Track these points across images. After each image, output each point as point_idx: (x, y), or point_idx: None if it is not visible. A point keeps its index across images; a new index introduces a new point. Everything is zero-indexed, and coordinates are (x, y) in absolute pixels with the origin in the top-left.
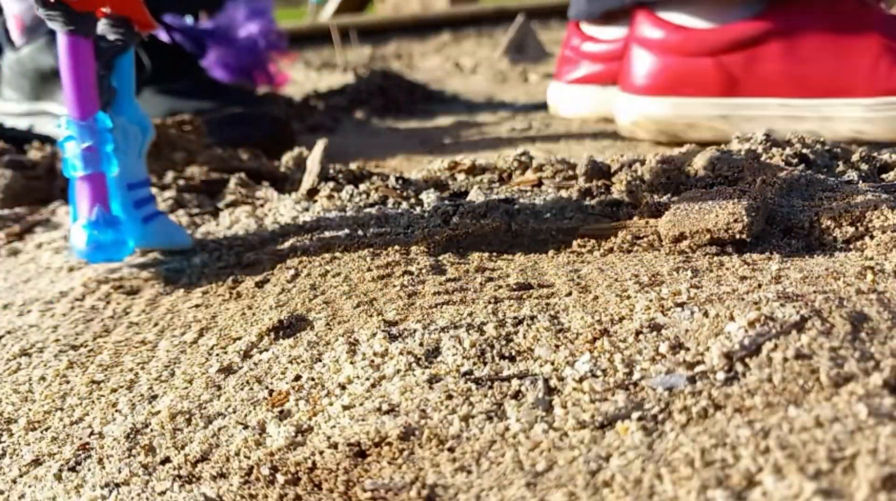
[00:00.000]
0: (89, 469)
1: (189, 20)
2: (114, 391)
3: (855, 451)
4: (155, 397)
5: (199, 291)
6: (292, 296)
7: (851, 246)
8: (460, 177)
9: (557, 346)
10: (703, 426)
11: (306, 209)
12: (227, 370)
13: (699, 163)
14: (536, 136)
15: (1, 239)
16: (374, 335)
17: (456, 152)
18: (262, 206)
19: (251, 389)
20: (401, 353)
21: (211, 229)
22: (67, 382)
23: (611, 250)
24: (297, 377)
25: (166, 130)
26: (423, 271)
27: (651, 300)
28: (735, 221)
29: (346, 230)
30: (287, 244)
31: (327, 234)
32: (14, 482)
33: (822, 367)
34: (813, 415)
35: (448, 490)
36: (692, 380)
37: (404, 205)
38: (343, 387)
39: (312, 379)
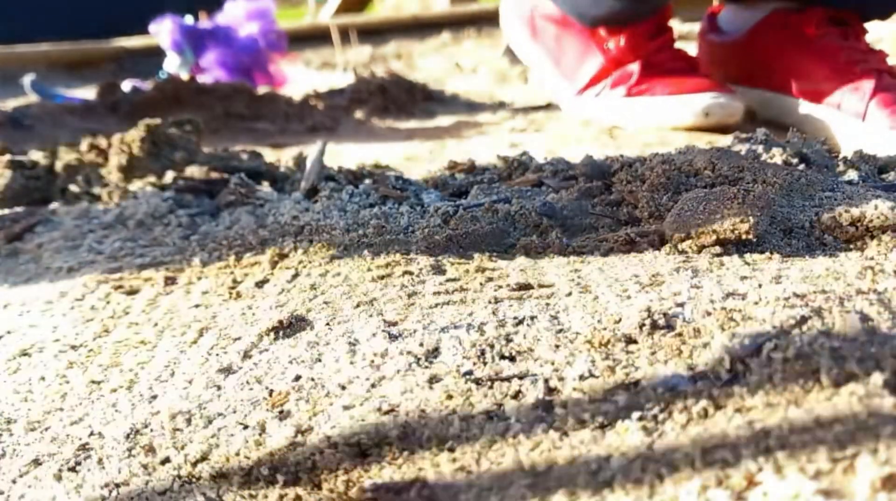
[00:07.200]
0: (89, 470)
1: (189, 20)
2: (114, 391)
3: (855, 451)
4: (155, 397)
5: (199, 291)
6: (292, 296)
7: (852, 246)
8: (460, 177)
9: (557, 346)
10: (703, 425)
11: (306, 209)
12: (227, 370)
13: (699, 163)
14: (536, 136)
15: (1, 239)
16: (374, 335)
17: (456, 152)
18: (262, 206)
19: (251, 389)
20: (401, 353)
21: (211, 229)
22: (67, 382)
23: (611, 250)
24: (297, 377)
25: (166, 129)
26: (423, 271)
27: (651, 301)
28: (741, 221)
29: (346, 230)
30: (287, 244)
31: (327, 234)
32: (14, 482)
33: (822, 367)
34: (813, 415)
35: (448, 490)
36: (693, 380)
37: (404, 205)
38: (343, 387)
39: (312, 379)
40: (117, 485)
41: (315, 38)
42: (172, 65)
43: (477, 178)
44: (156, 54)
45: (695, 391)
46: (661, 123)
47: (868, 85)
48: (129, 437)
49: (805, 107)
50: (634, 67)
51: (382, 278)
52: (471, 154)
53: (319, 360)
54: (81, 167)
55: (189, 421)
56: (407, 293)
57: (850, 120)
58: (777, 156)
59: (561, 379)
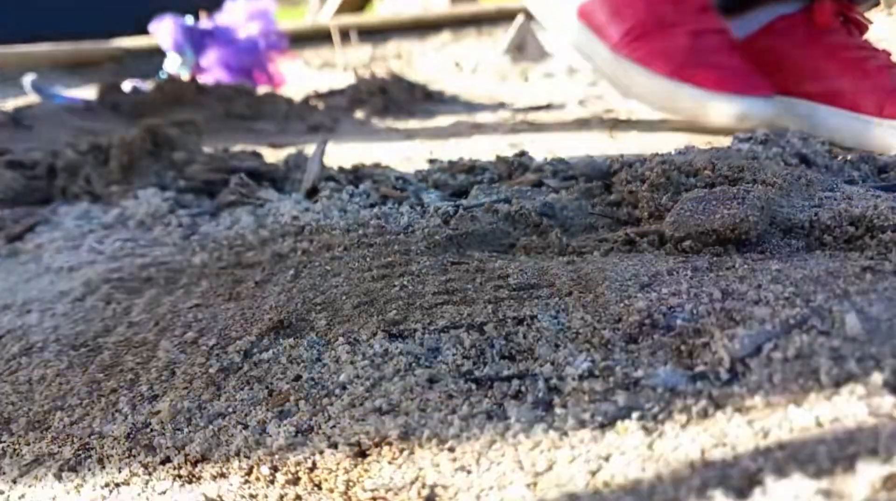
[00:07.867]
0: (89, 469)
1: (189, 20)
2: (114, 390)
3: (855, 451)
4: (155, 397)
5: (199, 291)
6: (292, 296)
7: (851, 246)
8: (460, 177)
9: (557, 346)
10: (703, 425)
11: (306, 209)
12: (228, 370)
13: (699, 163)
14: (536, 136)
15: (1, 239)
16: (374, 334)
17: (456, 152)
18: (262, 206)
19: (251, 389)
20: (401, 353)
21: (211, 229)
22: (67, 382)
23: (611, 250)
24: (298, 377)
25: (166, 129)
26: (423, 271)
27: (651, 301)
28: (741, 221)
29: (346, 230)
30: (287, 244)
31: (327, 234)
32: (14, 482)
33: (822, 367)
34: (813, 415)
35: (448, 490)
36: (692, 380)
37: (404, 205)
38: (343, 387)
39: (313, 379)
40: (118, 485)
41: (315, 38)
42: (173, 65)
43: (477, 178)
44: (156, 54)
45: (695, 391)
46: (697, 116)
47: (884, 81)
48: (129, 437)
49: (811, 107)
50: (683, 40)
51: (382, 278)
52: (471, 154)
53: (320, 360)
54: (81, 167)
55: (189, 421)
56: (407, 293)
57: (865, 118)
58: (777, 156)
59: (561, 379)
